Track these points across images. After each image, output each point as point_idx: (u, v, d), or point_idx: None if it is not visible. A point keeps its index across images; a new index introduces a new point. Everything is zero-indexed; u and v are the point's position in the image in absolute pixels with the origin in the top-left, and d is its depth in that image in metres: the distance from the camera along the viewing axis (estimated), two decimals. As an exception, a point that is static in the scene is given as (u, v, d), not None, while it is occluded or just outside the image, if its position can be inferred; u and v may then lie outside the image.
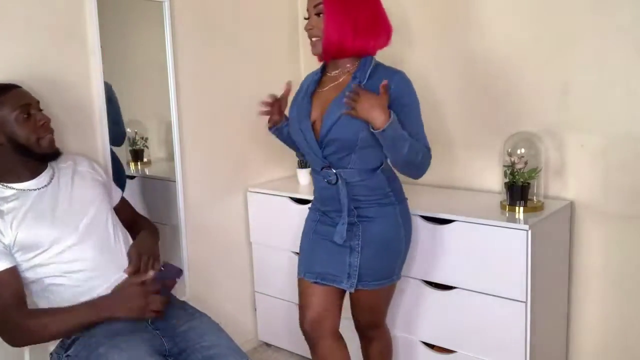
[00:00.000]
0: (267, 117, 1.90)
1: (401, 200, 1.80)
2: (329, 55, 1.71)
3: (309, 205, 1.93)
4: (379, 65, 1.72)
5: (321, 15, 1.66)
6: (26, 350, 1.67)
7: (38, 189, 1.64)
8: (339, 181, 1.72)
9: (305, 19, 1.73)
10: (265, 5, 2.58)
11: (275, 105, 1.87)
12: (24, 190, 1.62)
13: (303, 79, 1.88)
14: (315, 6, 1.67)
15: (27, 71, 1.72)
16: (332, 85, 1.75)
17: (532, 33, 2.11)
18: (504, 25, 2.18)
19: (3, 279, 1.51)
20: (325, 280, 1.80)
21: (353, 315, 1.90)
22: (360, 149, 1.68)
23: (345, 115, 1.63)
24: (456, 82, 2.31)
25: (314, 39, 1.71)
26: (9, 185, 1.62)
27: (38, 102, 1.65)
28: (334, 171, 1.72)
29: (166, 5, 2.14)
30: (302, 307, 1.87)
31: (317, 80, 1.80)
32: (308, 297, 1.85)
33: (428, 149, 1.70)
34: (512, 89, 2.19)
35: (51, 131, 1.65)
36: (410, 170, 1.70)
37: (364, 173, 1.71)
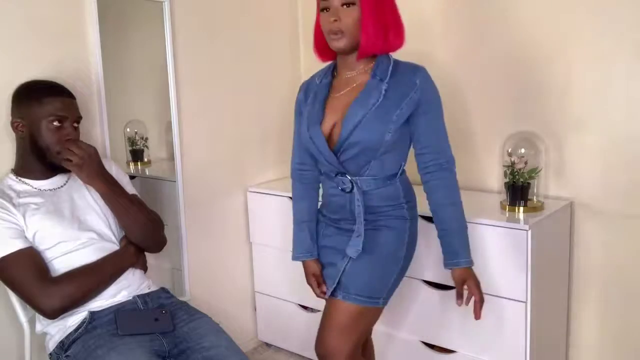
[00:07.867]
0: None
1: (413, 216, 1.67)
2: (364, 52, 1.54)
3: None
4: (397, 61, 1.59)
5: (351, 6, 1.49)
6: (26, 350, 1.67)
7: (52, 189, 1.65)
8: (354, 189, 1.59)
9: (324, 10, 1.53)
10: (265, 5, 2.58)
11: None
12: (38, 189, 1.63)
13: (302, 82, 1.75)
14: None
15: (27, 71, 1.72)
16: (348, 89, 1.59)
17: (531, 33, 2.11)
18: (503, 25, 2.18)
19: (20, 257, 1.49)
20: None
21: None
22: (382, 153, 1.56)
23: (370, 116, 1.51)
24: (455, 82, 2.31)
25: (337, 35, 1.51)
26: (24, 180, 1.63)
27: (79, 118, 1.66)
28: (350, 179, 1.59)
29: (166, 5, 2.14)
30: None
31: (328, 84, 1.64)
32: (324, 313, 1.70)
33: (451, 162, 1.61)
34: (512, 89, 2.19)
35: None
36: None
37: (380, 181, 1.59)
